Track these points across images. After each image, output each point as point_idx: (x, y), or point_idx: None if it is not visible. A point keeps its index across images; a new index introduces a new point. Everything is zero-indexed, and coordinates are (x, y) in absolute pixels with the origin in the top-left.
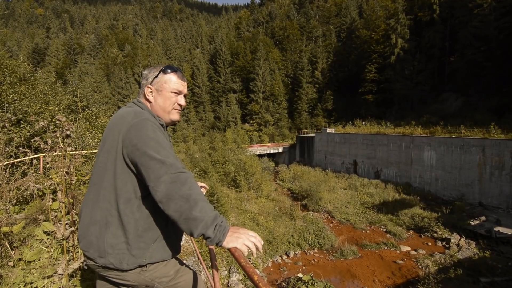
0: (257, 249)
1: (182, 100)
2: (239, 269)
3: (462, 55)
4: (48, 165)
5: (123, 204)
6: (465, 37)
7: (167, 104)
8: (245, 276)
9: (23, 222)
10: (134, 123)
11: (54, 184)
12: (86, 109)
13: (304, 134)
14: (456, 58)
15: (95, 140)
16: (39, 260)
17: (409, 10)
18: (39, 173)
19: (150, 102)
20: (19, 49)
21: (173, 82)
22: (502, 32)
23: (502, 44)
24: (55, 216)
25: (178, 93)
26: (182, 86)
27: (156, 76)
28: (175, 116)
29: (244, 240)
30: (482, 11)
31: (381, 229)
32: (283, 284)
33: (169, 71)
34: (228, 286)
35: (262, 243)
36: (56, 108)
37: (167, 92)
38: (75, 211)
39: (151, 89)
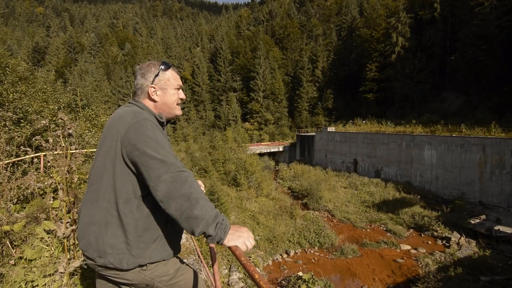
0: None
1: (182, 94)
2: (240, 268)
3: (463, 54)
4: (49, 164)
5: (123, 204)
6: (466, 36)
7: (172, 100)
8: (245, 275)
9: (24, 220)
10: (133, 123)
11: (55, 182)
12: (86, 108)
13: (304, 133)
14: (457, 57)
15: (95, 139)
16: (40, 258)
17: (410, 9)
18: (40, 172)
19: (155, 101)
20: (19, 48)
21: (174, 78)
22: (503, 31)
23: (503, 43)
24: (56, 215)
25: (179, 88)
26: (180, 81)
27: (157, 75)
28: (179, 111)
29: (245, 239)
30: (483, 9)
31: (381, 227)
32: (284, 282)
33: (168, 68)
34: (228, 284)
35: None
36: (56, 107)
37: (171, 89)
38: (76, 210)
39: (154, 88)
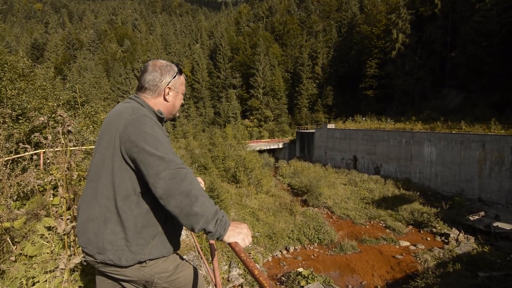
0: None
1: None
2: (240, 264)
3: (463, 51)
4: (48, 161)
5: (122, 201)
6: (466, 33)
7: (179, 104)
8: (245, 271)
9: (24, 217)
10: (132, 119)
11: (55, 179)
12: (86, 105)
13: (304, 129)
14: (457, 54)
15: (95, 136)
16: (41, 255)
17: (410, 5)
18: (40, 169)
19: (167, 101)
20: (17, 45)
21: (184, 84)
22: (503, 28)
23: (504, 39)
24: (56, 211)
25: (184, 94)
26: None
27: (174, 77)
28: (178, 113)
29: (245, 235)
30: (484, 6)
31: (381, 224)
32: (283, 278)
33: (182, 73)
34: (228, 280)
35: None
36: (56, 104)
37: (181, 94)
38: (75, 206)
39: (170, 89)
